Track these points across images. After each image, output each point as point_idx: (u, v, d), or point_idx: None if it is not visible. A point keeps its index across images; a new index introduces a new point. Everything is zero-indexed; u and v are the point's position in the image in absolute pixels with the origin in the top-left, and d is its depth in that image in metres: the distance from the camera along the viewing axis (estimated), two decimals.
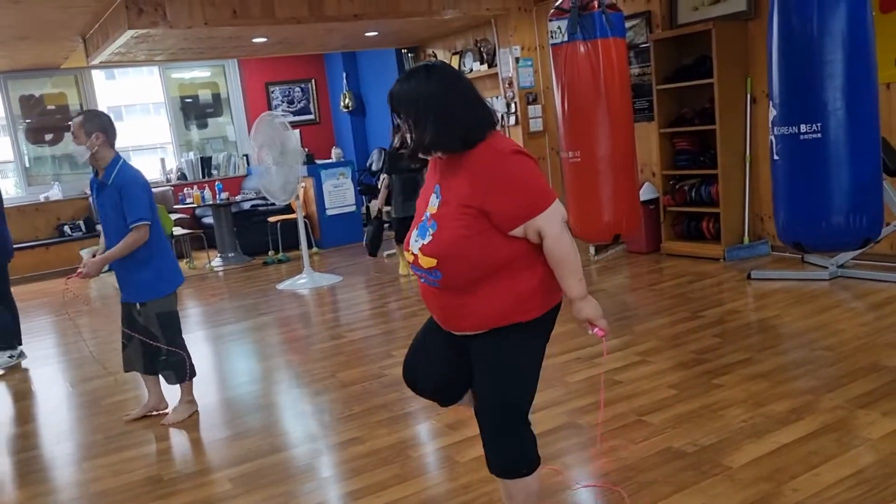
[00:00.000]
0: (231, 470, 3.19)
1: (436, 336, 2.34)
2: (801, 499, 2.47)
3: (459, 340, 2.26)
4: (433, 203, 2.18)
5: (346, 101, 10.83)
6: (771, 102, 3.95)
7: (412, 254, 2.19)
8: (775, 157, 3.95)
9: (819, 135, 3.69)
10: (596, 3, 4.47)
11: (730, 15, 6.02)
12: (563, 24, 4.53)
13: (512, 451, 2.18)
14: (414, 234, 2.22)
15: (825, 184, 3.74)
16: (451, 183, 2.14)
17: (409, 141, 2.19)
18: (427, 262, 2.13)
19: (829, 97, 3.65)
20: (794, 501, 2.46)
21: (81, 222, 9.50)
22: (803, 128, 3.71)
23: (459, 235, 2.09)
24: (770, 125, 3.96)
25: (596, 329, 2.19)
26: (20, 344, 5.31)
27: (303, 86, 11.17)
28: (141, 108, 13.41)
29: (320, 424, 3.64)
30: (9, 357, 5.13)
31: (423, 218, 2.19)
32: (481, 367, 2.21)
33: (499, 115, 8.40)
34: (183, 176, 10.32)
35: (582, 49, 4.54)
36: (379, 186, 7.28)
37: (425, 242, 2.14)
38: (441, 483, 2.90)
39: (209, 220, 9.12)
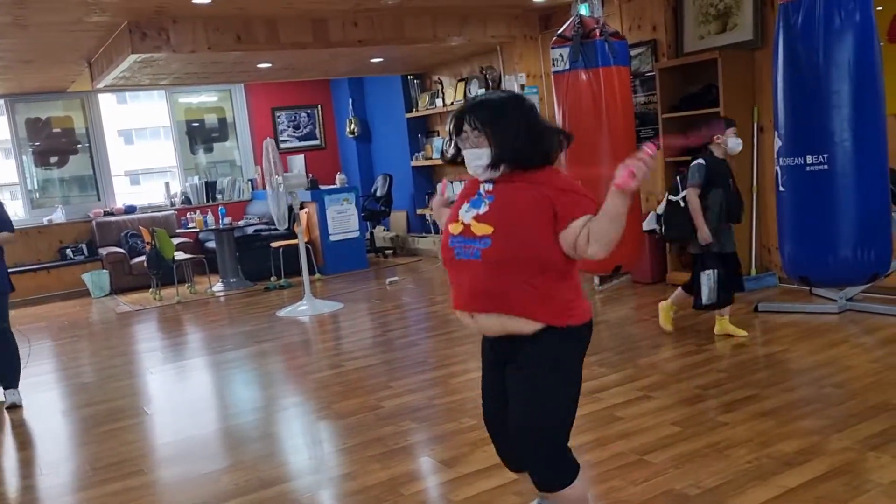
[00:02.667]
0: None
1: (491, 385, 2.40)
2: None
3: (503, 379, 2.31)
4: (486, 186, 2.24)
5: (352, 126, 10.82)
6: (776, 132, 3.87)
7: (462, 224, 2.23)
8: (781, 189, 3.87)
9: (826, 166, 3.61)
10: (598, 32, 4.43)
11: (736, 44, 5.98)
12: (566, 51, 4.49)
13: (552, 470, 2.24)
14: (464, 206, 2.26)
15: (832, 216, 3.65)
16: (508, 192, 2.21)
17: (490, 152, 2.20)
18: (482, 229, 2.17)
19: (836, 128, 3.58)
20: None
21: (84, 245, 9.47)
22: (809, 159, 3.64)
23: (521, 209, 2.16)
24: (775, 156, 3.88)
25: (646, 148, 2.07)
26: (14, 387, 4.82)
27: (309, 111, 11.18)
28: (151, 132, 13.49)
29: (314, 458, 3.54)
30: None
31: (477, 194, 2.25)
32: (519, 390, 2.24)
33: None
34: (187, 200, 10.30)
35: (584, 77, 4.49)
36: (686, 204, 4.57)
37: (481, 212, 2.20)
38: None
39: (212, 244, 9.08)
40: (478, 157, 2.21)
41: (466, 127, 2.23)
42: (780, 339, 4.67)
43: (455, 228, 2.25)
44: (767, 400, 3.67)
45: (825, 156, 3.61)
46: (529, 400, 2.21)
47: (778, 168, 3.90)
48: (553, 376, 2.21)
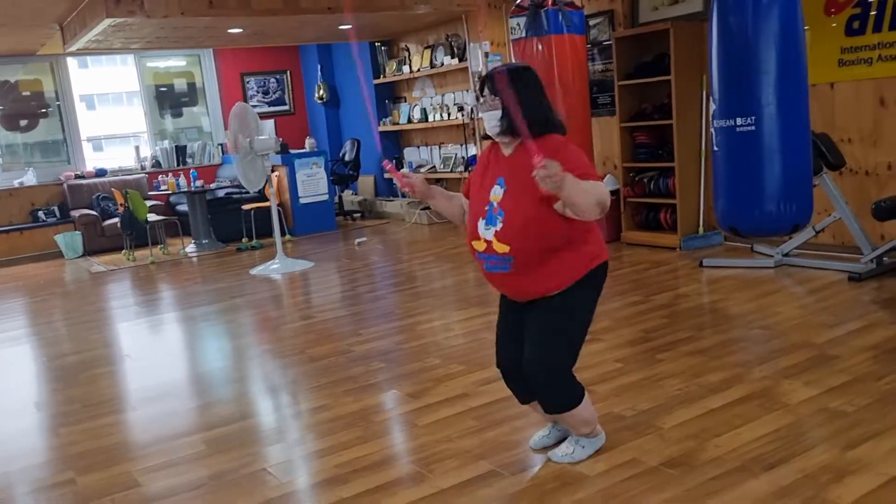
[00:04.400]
0: (204, 434, 3.40)
1: (510, 323, 2.74)
2: (721, 453, 2.74)
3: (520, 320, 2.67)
4: (497, 192, 2.55)
5: (321, 92, 11.01)
6: (712, 97, 4.23)
7: (484, 241, 2.56)
8: (715, 148, 4.23)
9: (753, 127, 3.98)
10: (551, 1, 4.72)
11: (687, 15, 6.32)
12: (523, 20, 4.77)
13: (559, 398, 2.66)
14: (481, 223, 2.59)
15: (758, 173, 4.03)
16: (517, 171, 2.50)
17: (503, 116, 2.51)
18: (501, 248, 2.51)
19: (763, 93, 3.94)
20: (714, 455, 2.73)
21: (56, 208, 9.60)
22: (739, 121, 4.00)
23: (529, 217, 2.47)
24: (711, 118, 4.24)
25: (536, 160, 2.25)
26: None
27: (278, 77, 11.33)
28: (114, 98, 13.48)
29: (289, 394, 3.87)
30: None
31: (488, 207, 2.57)
32: (533, 326, 2.61)
33: (468, 108, 8.65)
34: (157, 164, 10.44)
35: (538, 45, 4.78)
36: None
37: (498, 229, 2.52)
38: (400, 443, 3.15)
39: (184, 207, 9.27)
40: (492, 118, 2.54)
41: (486, 92, 2.57)
42: (720, 290, 5.07)
43: (479, 246, 2.60)
44: (702, 340, 4.06)
45: (753, 118, 3.98)
46: (546, 338, 2.59)
47: (713, 129, 4.26)
48: (569, 317, 2.60)
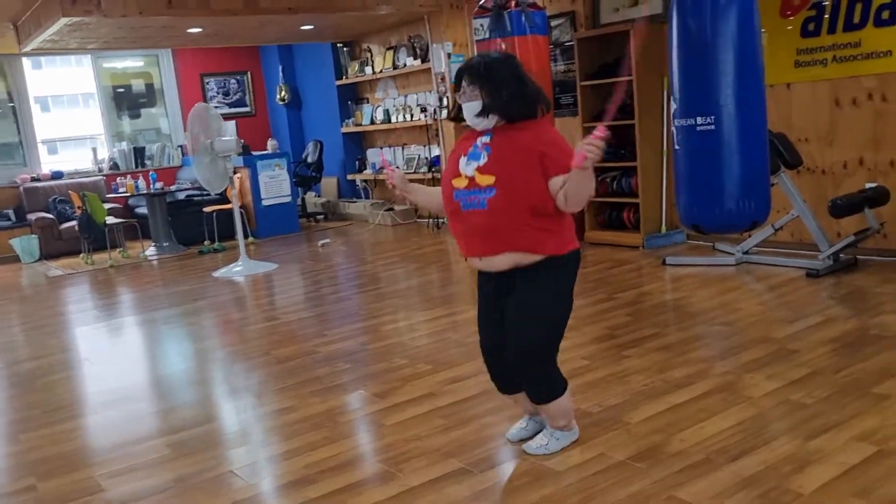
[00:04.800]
0: (168, 437, 3.34)
1: (490, 306, 2.76)
2: (686, 447, 2.78)
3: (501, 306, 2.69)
4: (484, 138, 2.57)
5: (282, 93, 10.93)
6: (673, 97, 4.30)
7: (465, 177, 2.56)
8: (676, 147, 4.30)
9: (713, 126, 4.05)
10: (514, 3, 4.76)
11: (648, 17, 6.40)
12: (486, 21, 4.80)
13: (541, 386, 2.73)
14: (462, 160, 2.59)
15: (718, 171, 4.10)
16: (503, 151, 2.54)
17: (485, 105, 2.55)
18: (485, 179, 2.51)
19: (722, 93, 4.02)
20: (680, 449, 2.77)
21: (11, 211, 9.38)
22: (699, 120, 4.07)
23: (517, 161, 2.50)
24: (672, 117, 4.31)
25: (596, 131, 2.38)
26: None
27: (238, 78, 11.22)
28: (70, 100, 13.20)
29: (255, 396, 3.83)
30: None
31: (471, 148, 2.58)
32: (514, 311, 2.64)
33: (431, 109, 8.66)
34: (115, 166, 10.26)
35: (502, 46, 4.82)
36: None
37: (482, 164, 2.53)
38: (368, 443, 3.14)
39: (143, 210, 9.13)
40: (473, 109, 2.57)
41: (464, 83, 2.59)
42: (683, 287, 5.14)
43: (460, 182, 2.59)
44: (666, 337, 4.11)
45: (712, 117, 4.05)
46: (527, 321, 2.63)
47: (674, 128, 4.33)
48: (548, 298, 2.63)
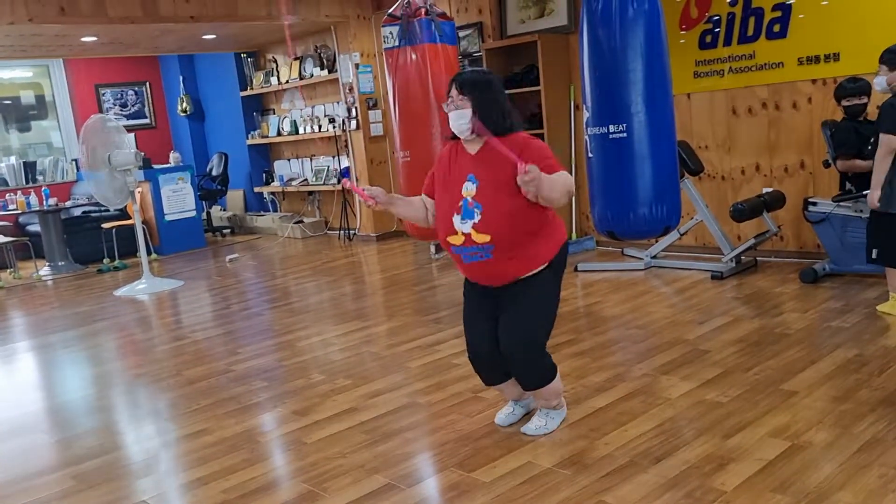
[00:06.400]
0: (72, 468, 3.14)
1: (479, 307, 2.90)
2: (611, 451, 2.81)
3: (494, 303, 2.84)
4: (469, 188, 2.72)
5: (184, 105, 10.60)
6: (585, 106, 4.38)
7: (462, 235, 2.72)
8: (589, 155, 4.38)
9: (625, 134, 4.15)
10: (425, 11, 4.77)
11: (553, 28, 6.52)
12: (395, 29, 4.79)
13: (537, 374, 2.87)
14: (456, 218, 2.74)
15: (631, 178, 4.20)
16: (486, 167, 2.71)
17: (471, 112, 2.71)
18: (482, 237, 2.68)
19: (633, 101, 4.12)
20: (605, 453, 2.79)
21: None
22: (612, 128, 4.17)
23: (506, 209, 2.66)
24: (585, 126, 4.39)
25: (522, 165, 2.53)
26: None
27: (136, 88, 10.81)
28: None
29: (166, 420, 3.65)
30: None
31: (461, 203, 2.72)
32: (510, 308, 2.79)
33: (340, 120, 8.56)
34: (4, 182, 9.69)
35: (411, 53, 4.81)
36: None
37: (476, 222, 2.69)
38: (289, 463, 3.03)
39: (36, 227, 8.64)
40: (461, 117, 2.72)
41: (454, 92, 2.75)
42: (595, 293, 5.24)
43: (456, 240, 2.75)
44: (582, 342, 4.17)
45: (624, 125, 4.16)
46: (524, 317, 2.77)
47: (587, 137, 4.41)
48: (544, 295, 2.81)
